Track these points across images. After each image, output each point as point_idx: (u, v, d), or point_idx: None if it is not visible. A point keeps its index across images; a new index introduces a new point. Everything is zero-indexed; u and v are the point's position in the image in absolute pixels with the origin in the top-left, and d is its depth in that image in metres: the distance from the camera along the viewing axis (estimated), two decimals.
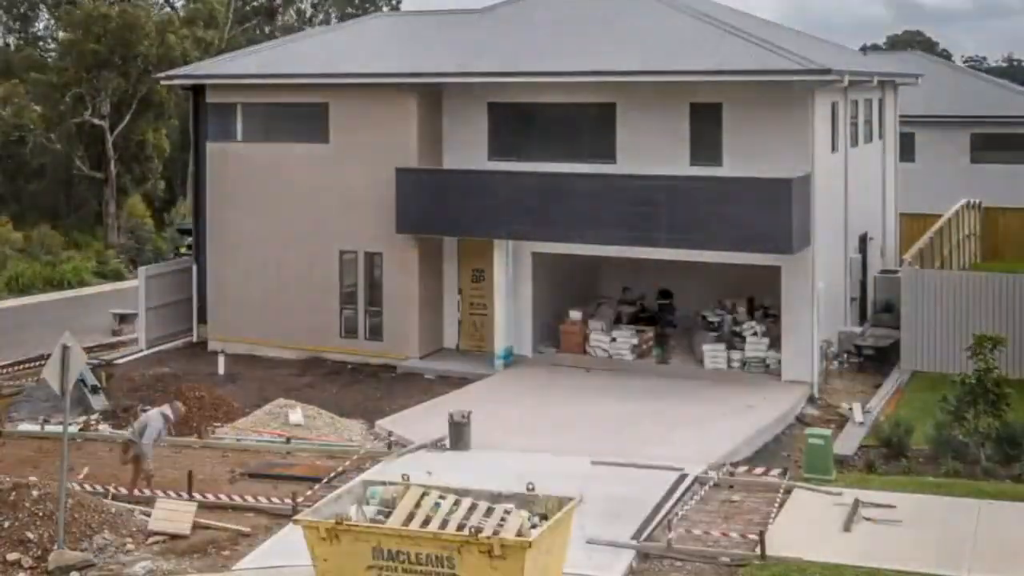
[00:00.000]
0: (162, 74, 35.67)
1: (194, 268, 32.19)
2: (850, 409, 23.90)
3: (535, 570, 13.77)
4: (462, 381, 27.07)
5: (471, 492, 15.53)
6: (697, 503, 18.83)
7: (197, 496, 19.06)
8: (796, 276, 26.18)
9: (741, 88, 26.45)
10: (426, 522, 14.36)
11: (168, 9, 65.98)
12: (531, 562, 13.64)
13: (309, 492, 18.86)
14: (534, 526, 14.41)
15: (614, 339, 28.39)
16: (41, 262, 47.85)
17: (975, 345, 21.30)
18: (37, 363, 28.40)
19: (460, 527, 14.13)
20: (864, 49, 64.34)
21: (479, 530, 13.85)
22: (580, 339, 28.76)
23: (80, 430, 23.59)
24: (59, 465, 17.48)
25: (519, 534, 13.99)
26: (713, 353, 27.51)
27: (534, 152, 28.42)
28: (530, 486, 15.38)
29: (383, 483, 15.91)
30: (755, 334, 27.64)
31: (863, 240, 31.84)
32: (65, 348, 17.14)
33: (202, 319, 31.71)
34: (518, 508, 14.89)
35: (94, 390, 25.89)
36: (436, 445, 21.84)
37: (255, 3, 68.79)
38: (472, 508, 14.66)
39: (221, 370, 28.34)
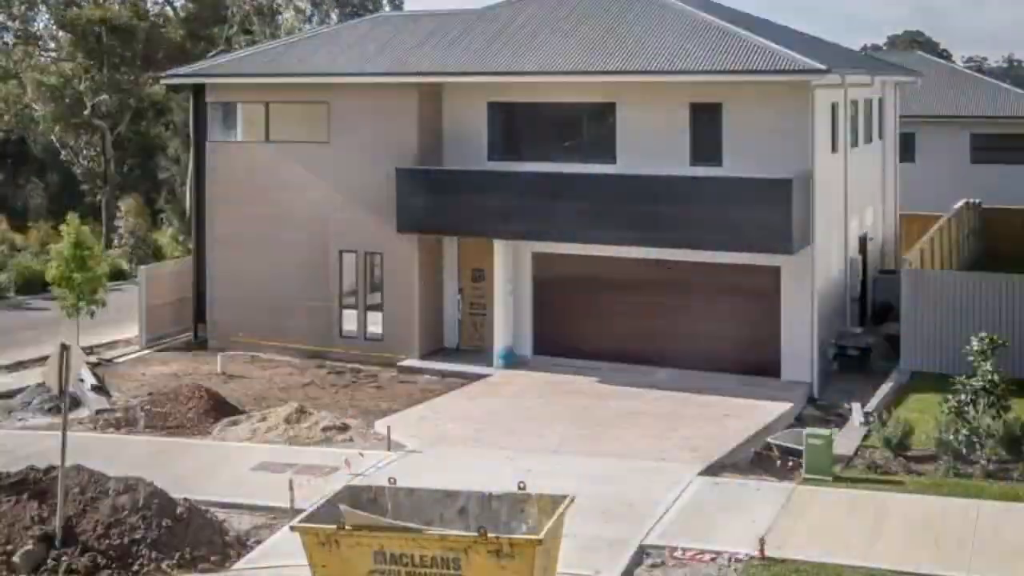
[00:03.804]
0: (162, 73, 35.67)
1: (194, 267, 32.18)
2: (850, 409, 23.88)
3: (541, 568, 13.74)
4: (462, 381, 27.05)
5: (461, 493, 15.51)
6: (698, 503, 18.82)
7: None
8: (796, 276, 26.17)
9: (741, 88, 26.45)
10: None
11: (168, 9, 65.91)
12: (539, 560, 13.61)
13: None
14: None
15: None
16: (41, 261, 47.77)
17: (975, 346, 21.29)
18: None
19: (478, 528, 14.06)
20: (864, 49, 64.33)
21: (487, 530, 13.81)
22: None
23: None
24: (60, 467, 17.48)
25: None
26: None
27: (534, 152, 28.43)
28: (521, 485, 15.36)
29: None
30: None
31: (863, 240, 31.83)
32: (64, 348, 17.12)
33: (202, 318, 31.69)
34: (512, 508, 14.89)
35: (93, 389, 25.88)
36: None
37: (255, 3, 68.74)
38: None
39: (220, 369, 28.32)
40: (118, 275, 41.87)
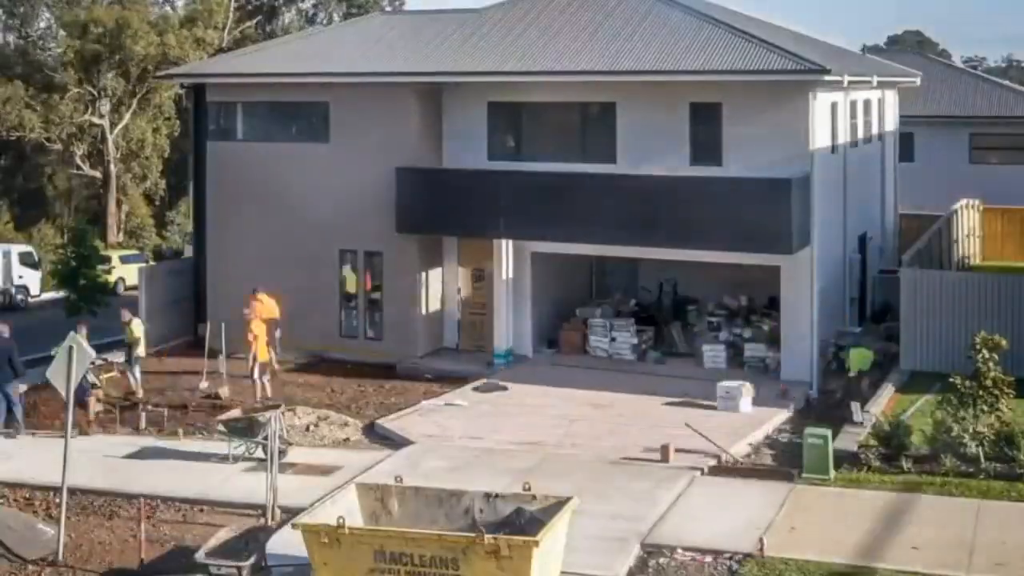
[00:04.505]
0: (162, 73, 35.73)
1: (194, 268, 32.20)
2: (850, 409, 23.86)
3: (540, 569, 13.76)
4: (462, 381, 27.06)
5: (466, 493, 15.55)
6: (698, 502, 18.84)
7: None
8: (796, 276, 26.19)
9: (741, 88, 26.47)
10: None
11: (168, 8, 66.00)
12: (537, 561, 13.63)
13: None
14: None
15: (614, 339, 28.41)
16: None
17: (974, 346, 21.29)
18: None
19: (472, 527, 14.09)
20: (864, 49, 64.33)
21: (484, 531, 13.84)
22: (580, 339, 28.79)
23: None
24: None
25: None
26: (712, 353, 27.54)
27: (534, 152, 28.44)
28: (526, 486, 15.40)
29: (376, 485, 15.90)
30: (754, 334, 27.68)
31: (863, 240, 31.85)
32: (71, 349, 17.13)
33: (202, 318, 31.70)
34: (516, 508, 14.91)
35: (94, 388, 25.86)
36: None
37: (255, 3, 68.80)
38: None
39: (221, 369, 28.30)
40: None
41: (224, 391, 26.15)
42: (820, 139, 26.67)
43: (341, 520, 14.22)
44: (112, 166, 58.64)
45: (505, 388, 26.02)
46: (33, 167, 62.13)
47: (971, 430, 20.57)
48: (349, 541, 14.12)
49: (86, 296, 32.70)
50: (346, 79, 29.39)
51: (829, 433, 20.45)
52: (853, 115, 30.40)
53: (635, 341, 28.40)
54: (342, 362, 29.10)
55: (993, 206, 40.93)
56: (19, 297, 42.87)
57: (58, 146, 58.47)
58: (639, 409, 24.34)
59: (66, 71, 57.06)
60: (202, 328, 31.20)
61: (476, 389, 26.14)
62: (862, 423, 22.78)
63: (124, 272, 45.56)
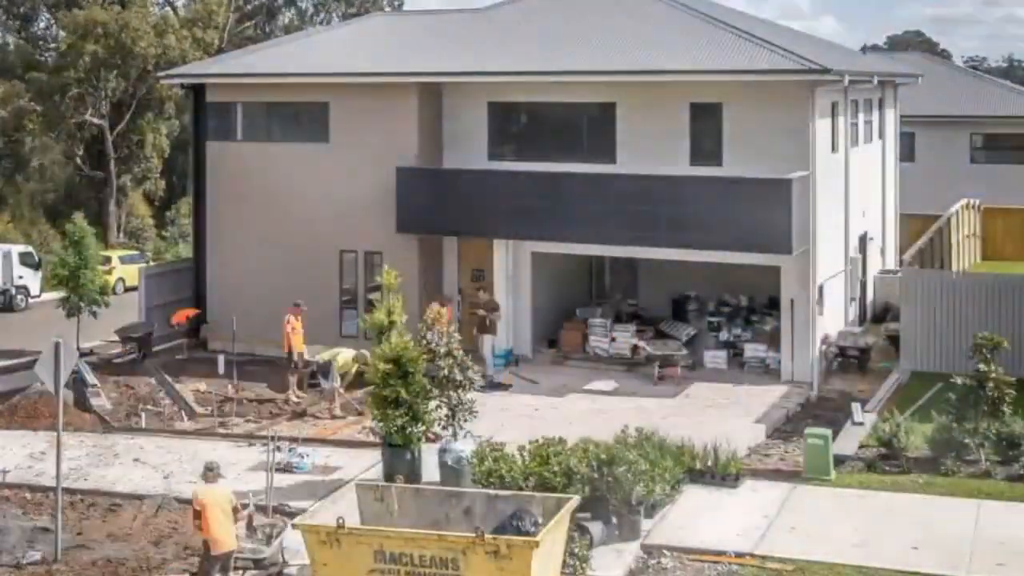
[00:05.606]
0: (162, 73, 35.71)
1: (194, 268, 32.19)
2: (850, 409, 23.86)
3: (540, 570, 13.76)
4: None
5: (467, 493, 15.54)
6: (698, 502, 18.82)
7: None
8: (796, 276, 26.18)
9: (741, 88, 26.45)
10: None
11: (168, 9, 65.98)
12: (537, 562, 13.63)
13: None
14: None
15: (614, 339, 28.39)
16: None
17: (975, 346, 21.29)
18: None
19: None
20: (864, 49, 64.38)
21: (484, 531, 13.84)
22: (580, 339, 28.77)
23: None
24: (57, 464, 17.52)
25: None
26: (712, 353, 27.51)
27: (534, 152, 28.43)
28: (526, 486, 15.38)
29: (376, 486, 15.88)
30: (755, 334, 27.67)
31: (863, 240, 31.83)
32: (57, 345, 17.13)
33: (202, 318, 31.67)
34: (516, 509, 14.92)
35: (92, 388, 25.88)
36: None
37: (256, 2, 68.79)
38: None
39: (221, 370, 28.28)
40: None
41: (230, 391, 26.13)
42: (820, 139, 26.64)
43: (341, 520, 14.21)
44: (112, 166, 58.65)
45: (507, 388, 26.03)
46: (33, 167, 62.09)
47: (972, 430, 20.56)
48: (349, 541, 14.12)
49: (86, 296, 32.63)
50: (346, 79, 29.38)
51: (830, 433, 20.45)
52: (854, 115, 30.38)
53: (635, 341, 28.34)
54: None
55: (993, 206, 40.94)
56: (19, 297, 42.86)
57: (58, 146, 58.45)
58: (639, 409, 24.31)
59: (66, 71, 57.02)
60: (204, 328, 31.26)
61: (478, 389, 26.05)
62: (862, 423, 22.76)
63: (124, 272, 45.54)
